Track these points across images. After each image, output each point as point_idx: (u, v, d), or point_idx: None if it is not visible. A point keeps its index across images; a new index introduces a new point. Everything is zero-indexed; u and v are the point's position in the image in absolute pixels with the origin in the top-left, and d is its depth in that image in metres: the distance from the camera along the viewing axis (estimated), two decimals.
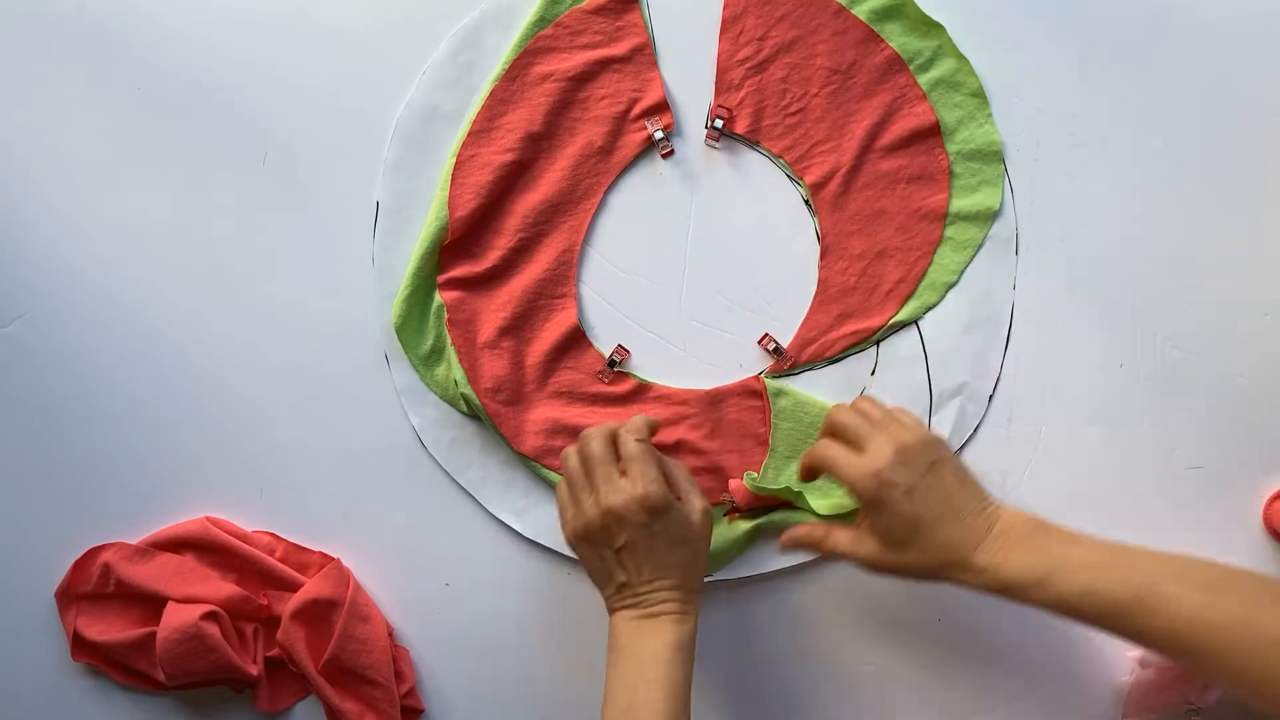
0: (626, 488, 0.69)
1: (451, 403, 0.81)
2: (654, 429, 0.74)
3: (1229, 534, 0.81)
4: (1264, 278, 0.82)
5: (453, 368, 0.80)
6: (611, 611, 0.71)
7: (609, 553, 0.70)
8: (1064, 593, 0.64)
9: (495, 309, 0.81)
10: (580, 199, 0.82)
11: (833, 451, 0.70)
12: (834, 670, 0.81)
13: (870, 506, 0.69)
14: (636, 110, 0.82)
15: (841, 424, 0.72)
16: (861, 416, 0.72)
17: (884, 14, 0.82)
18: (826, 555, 0.73)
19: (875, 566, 0.70)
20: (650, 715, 0.66)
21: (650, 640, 0.68)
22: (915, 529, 0.67)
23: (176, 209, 0.82)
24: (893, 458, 0.68)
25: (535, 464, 0.80)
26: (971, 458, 0.82)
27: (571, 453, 0.73)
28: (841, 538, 0.71)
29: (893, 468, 0.68)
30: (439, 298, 0.81)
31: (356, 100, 0.82)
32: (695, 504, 0.71)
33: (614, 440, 0.72)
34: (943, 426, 0.81)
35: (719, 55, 0.82)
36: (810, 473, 0.74)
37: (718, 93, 0.82)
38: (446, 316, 0.80)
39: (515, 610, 0.81)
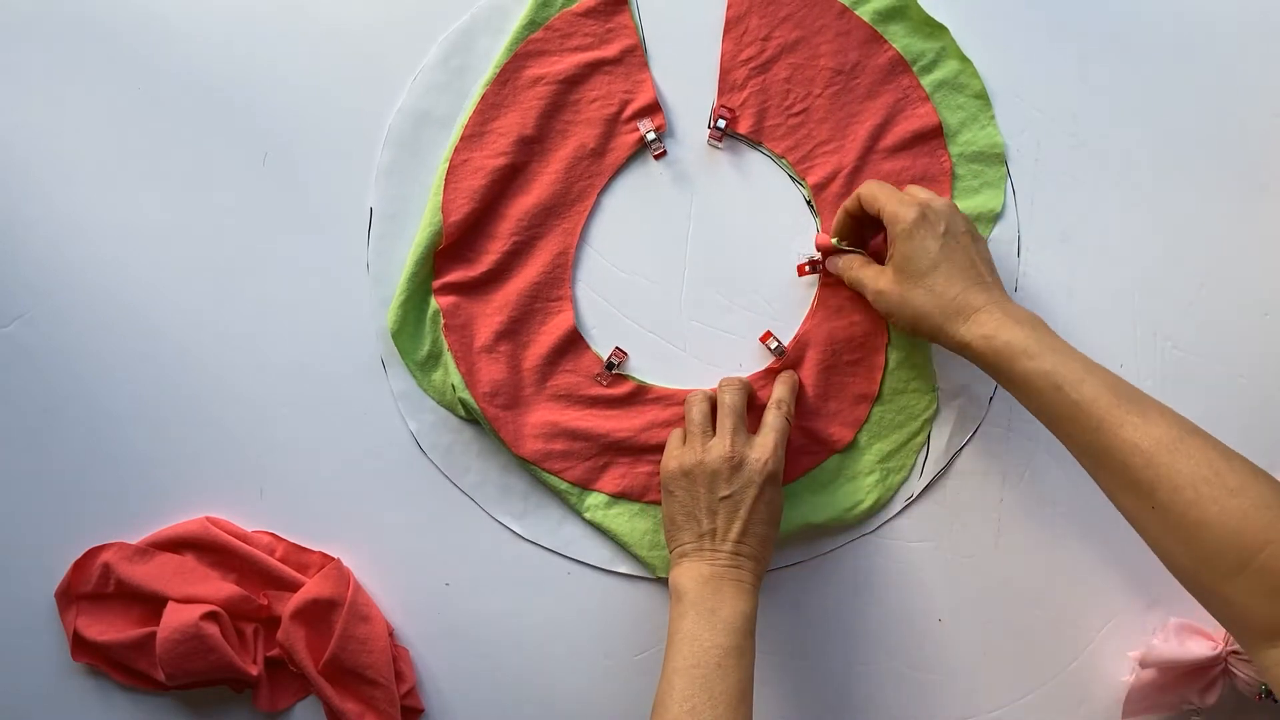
0: (761, 447, 0.73)
1: (449, 408, 0.81)
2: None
3: None
4: (1264, 278, 0.83)
5: (450, 373, 0.80)
6: (677, 560, 0.73)
7: (709, 497, 0.72)
8: (1050, 369, 0.66)
9: (491, 313, 0.81)
10: (574, 201, 0.82)
11: (875, 186, 0.74)
12: (833, 670, 0.81)
13: (904, 236, 0.72)
14: (628, 112, 0.82)
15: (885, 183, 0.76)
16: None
17: (887, 15, 0.82)
18: (849, 284, 0.78)
19: (886, 299, 0.73)
20: (719, 679, 0.66)
21: (724, 603, 0.69)
22: (935, 267, 0.71)
23: (176, 209, 0.81)
24: (943, 204, 0.73)
25: (534, 468, 0.80)
26: (971, 458, 0.82)
27: (700, 399, 0.76)
28: (868, 270, 0.75)
29: (939, 209, 0.72)
30: (434, 303, 0.80)
31: (352, 104, 0.82)
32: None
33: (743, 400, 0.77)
34: (943, 428, 0.81)
35: (722, 55, 0.82)
36: (853, 209, 0.76)
37: (721, 92, 0.82)
38: (443, 322, 0.80)
39: (515, 610, 0.81)
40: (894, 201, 0.72)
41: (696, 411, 0.76)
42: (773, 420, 0.75)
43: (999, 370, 0.69)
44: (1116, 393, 0.64)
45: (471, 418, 0.80)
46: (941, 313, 0.71)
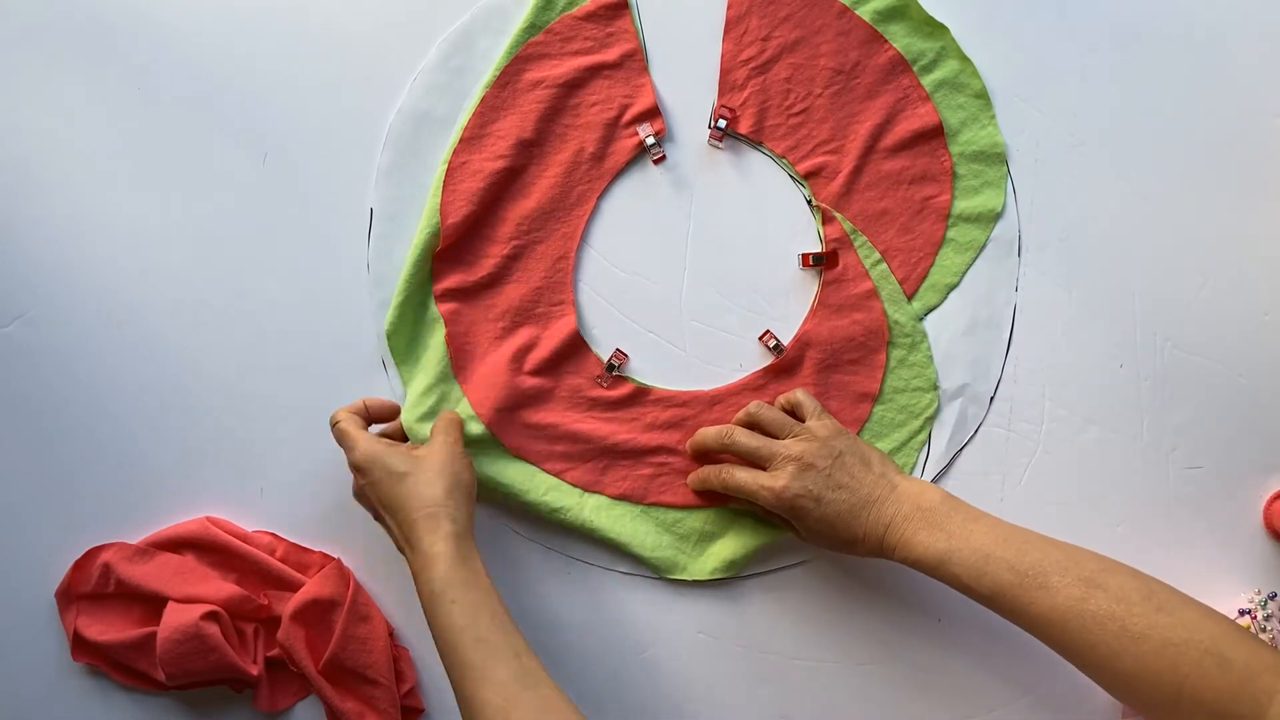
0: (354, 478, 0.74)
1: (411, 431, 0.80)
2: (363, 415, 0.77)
3: (1229, 534, 0.81)
4: (1264, 278, 0.83)
5: (433, 374, 0.80)
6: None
7: (387, 526, 0.73)
8: (958, 573, 0.69)
9: (493, 319, 0.81)
10: (573, 205, 0.82)
11: (741, 477, 0.75)
12: (834, 670, 0.81)
13: (789, 521, 0.75)
14: (628, 116, 0.82)
15: (744, 448, 0.76)
16: (758, 435, 0.76)
17: (888, 15, 0.82)
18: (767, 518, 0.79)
19: (808, 545, 0.78)
20: (460, 674, 0.65)
21: (422, 597, 0.68)
22: (832, 528, 0.73)
23: (177, 209, 0.81)
24: (795, 471, 0.73)
25: (536, 468, 0.80)
26: (972, 458, 0.82)
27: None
28: (779, 521, 0.77)
29: (798, 480, 0.73)
30: (434, 308, 0.80)
31: (352, 104, 0.82)
32: (433, 445, 0.74)
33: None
34: (943, 428, 0.81)
35: (723, 55, 0.82)
36: (727, 496, 0.79)
37: (721, 93, 0.82)
38: (445, 330, 0.80)
39: (515, 610, 0.80)
40: (761, 491, 0.74)
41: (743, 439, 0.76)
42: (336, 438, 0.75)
43: (929, 575, 0.71)
44: (1016, 570, 0.67)
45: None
46: (865, 552, 0.74)
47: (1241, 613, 0.78)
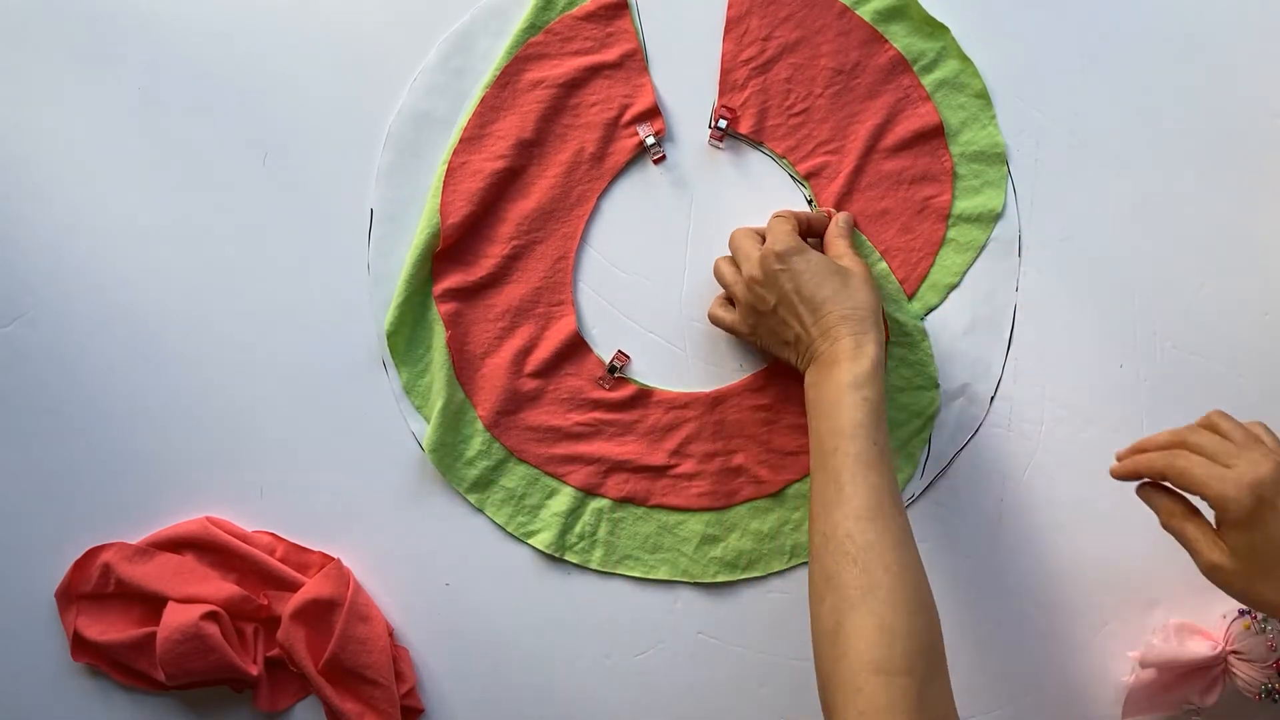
0: (760, 249, 0.74)
1: (426, 416, 0.81)
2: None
3: None
4: (1264, 278, 0.83)
5: (436, 378, 0.80)
6: (804, 377, 0.74)
7: (772, 320, 0.74)
8: None
9: (493, 319, 0.81)
10: (573, 205, 0.82)
11: (1190, 460, 0.64)
12: None
13: (1238, 524, 0.61)
14: (628, 116, 0.82)
15: (1196, 443, 0.65)
16: (1220, 435, 0.65)
17: (888, 15, 0.82)
18: (1173, 533, 0.66)
19: (1223, 578, 0.63)
20: (840, 460, 0.67)
21: (828, 388, 0.70)
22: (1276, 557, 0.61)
23: (176, 209, 0.81)
24: (1274, 473, 0.61)
25: (538, 471, 0.80)
26: (971, 458, 0.82)
27: (721, 259, 0.79)
28: (1194, 531, 0.65)
29: (1275, 484, 0.61)
30: (434, 309, 0.80)
31: (352, 104, 0.82)
32: (842, 250, 0.76)
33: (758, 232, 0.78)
34: (943, 428, 0.81)
35: (723, 55, 0.82)
36: (1150, 480, 0.68)
37: (722, 93, 0.82)
38: (446, 332, 0.80)
39: (516, 610, 0.81)
40: (1219, 479, 0.62)
41: (724, 267, 0.78)
42: (769, 222, 0.77)
43: None
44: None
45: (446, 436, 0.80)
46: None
47: (1241, 613, 0.79)
